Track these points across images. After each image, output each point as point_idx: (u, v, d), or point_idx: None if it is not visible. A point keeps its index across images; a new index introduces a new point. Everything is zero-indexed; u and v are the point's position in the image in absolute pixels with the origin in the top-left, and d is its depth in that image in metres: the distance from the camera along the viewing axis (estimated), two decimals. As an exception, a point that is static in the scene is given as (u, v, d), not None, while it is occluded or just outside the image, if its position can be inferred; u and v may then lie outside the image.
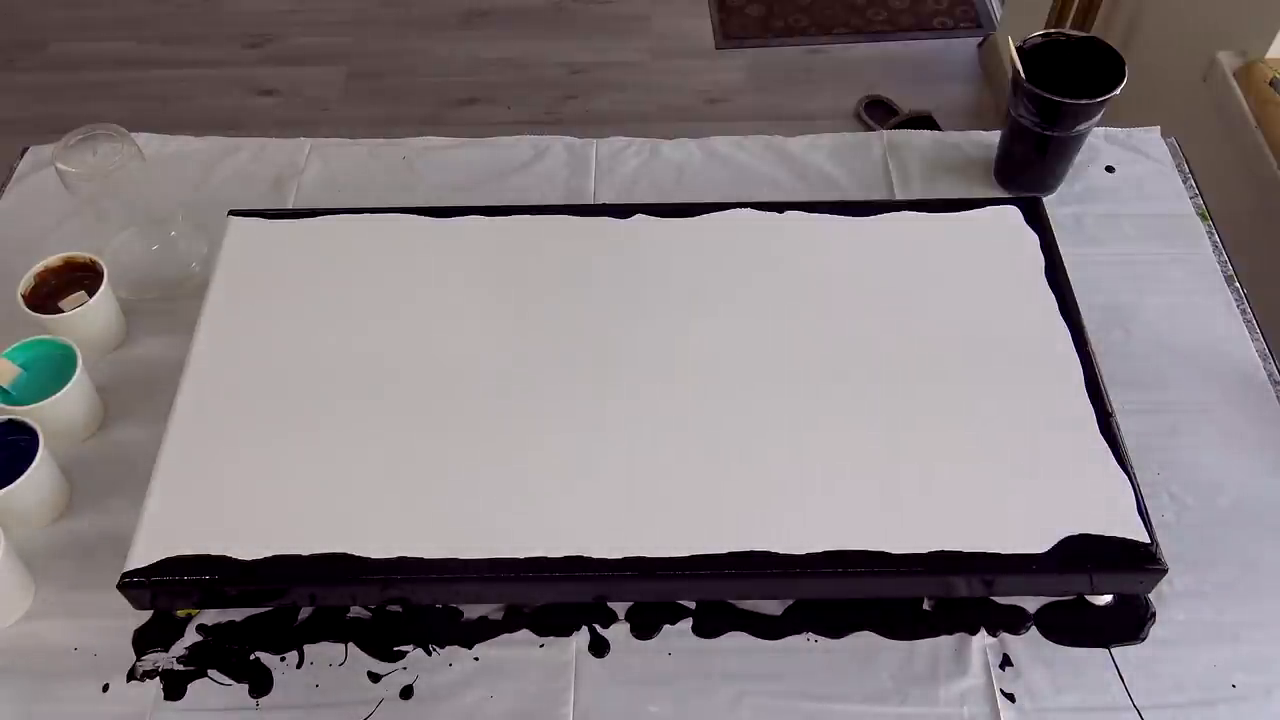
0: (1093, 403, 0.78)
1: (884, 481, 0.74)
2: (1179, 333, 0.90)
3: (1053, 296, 0.84)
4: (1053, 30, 0.96)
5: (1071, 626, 0.74)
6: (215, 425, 0.78)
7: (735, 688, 0.72)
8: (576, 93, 2.21)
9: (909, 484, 0.74)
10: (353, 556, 0.71)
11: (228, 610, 0.76)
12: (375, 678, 0.73)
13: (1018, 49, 0.94)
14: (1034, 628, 0.74)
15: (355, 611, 0.76)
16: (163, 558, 0.71)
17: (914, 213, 0.91)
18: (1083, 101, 0.89)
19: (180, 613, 0.75)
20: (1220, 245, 0.96)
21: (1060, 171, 0.99)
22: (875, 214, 0.91)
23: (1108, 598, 0.75)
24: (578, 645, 0.74)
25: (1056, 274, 0.86)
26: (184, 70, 2.27)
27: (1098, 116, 0.92)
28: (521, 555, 0.71)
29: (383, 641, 0.74)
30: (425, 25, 2.35)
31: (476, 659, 0.73)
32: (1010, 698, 0.71)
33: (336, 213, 0.91)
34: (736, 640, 0.74)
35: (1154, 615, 0.75)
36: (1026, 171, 0.99)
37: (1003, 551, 0.71)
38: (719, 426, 0.77)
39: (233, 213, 0.91)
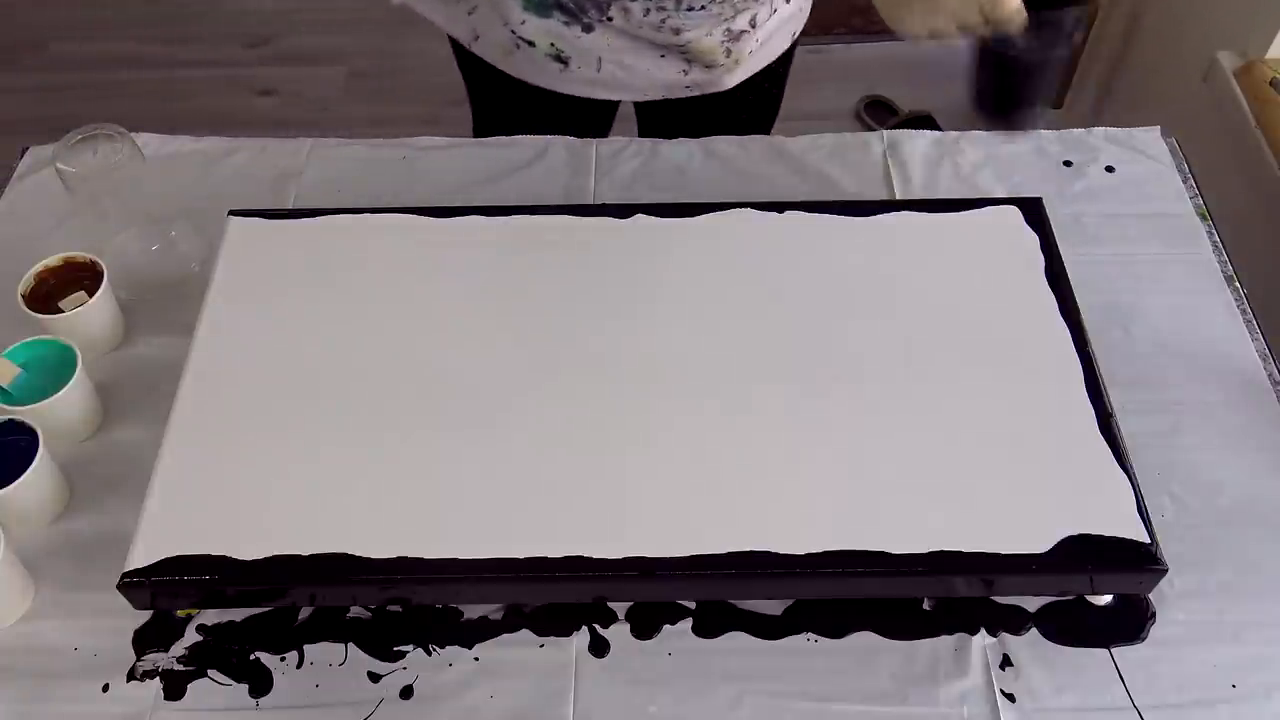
0: (1093, 403, 0.78)
1: (884, 481, 0.74)
2: (1179, 333, 0.90)
3: (1053, 296, 0.84)
4: None
5: (1071, 626, 0.74)
6: (215, 425, 0.78)
7: (735, 688, 0.72)
8: (576, 93, 2.21)
9: (909, 484, 0.74)
10: (353, 556, 0.71)
11: (228, 610, 0.76)
12: (375, 678, 0.73)
13: None
14: (1034, 628, 0.74)
15: (355, 611, 0.76)
16: (163, 558, 0.71)
17: (914, 213, 0.91)
18: (1056, 10, 0.83)
19: (180, 613, 0.75)
20: (1220, 245, 0.96)
21: (1043, 92, 0.91)
22: (875, 214, 0.91)
23: (1108, 598, 0.75)
24: (578, 645, 0.74)
25: (1056, 274, 0.86)
26: (184, 70, 2.27)
27: (1074, 32, 0.87)
28: (521, 555, 0.71)
29: (383, 641, 0.74)
30: (425, 25, 2.35)
31: (476, 659, 0.73)
32: (1010, 698, 0.71)
33: (336, 213, 0.91)
34: (736, 640, 0.74)
35: (1154, 615, 0.75)
36: (1007, 97, 0.92)
37: (1003, 551, 0.71)
38: (719, 426, 0.77)
39: (233, 213, 0.91)
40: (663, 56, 0.99)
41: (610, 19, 0.94)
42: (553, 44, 0.98)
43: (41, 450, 0.75)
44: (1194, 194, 1.00)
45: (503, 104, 1.12)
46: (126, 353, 0.90)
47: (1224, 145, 1.31)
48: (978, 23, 0.79)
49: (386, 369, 0.80)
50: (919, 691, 0.71)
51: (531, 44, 0.98)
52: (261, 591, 0.73)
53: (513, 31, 0.98)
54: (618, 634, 0.74)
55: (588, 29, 0.96)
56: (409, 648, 0.74)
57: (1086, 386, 0.79)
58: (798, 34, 1.10)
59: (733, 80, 1.05)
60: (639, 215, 0.90)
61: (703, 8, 0.93)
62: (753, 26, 0.99)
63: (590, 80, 1.01)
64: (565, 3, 0.94)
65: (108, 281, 0.86)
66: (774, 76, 1.14)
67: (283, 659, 0.74)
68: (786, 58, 1.12)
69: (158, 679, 0.73)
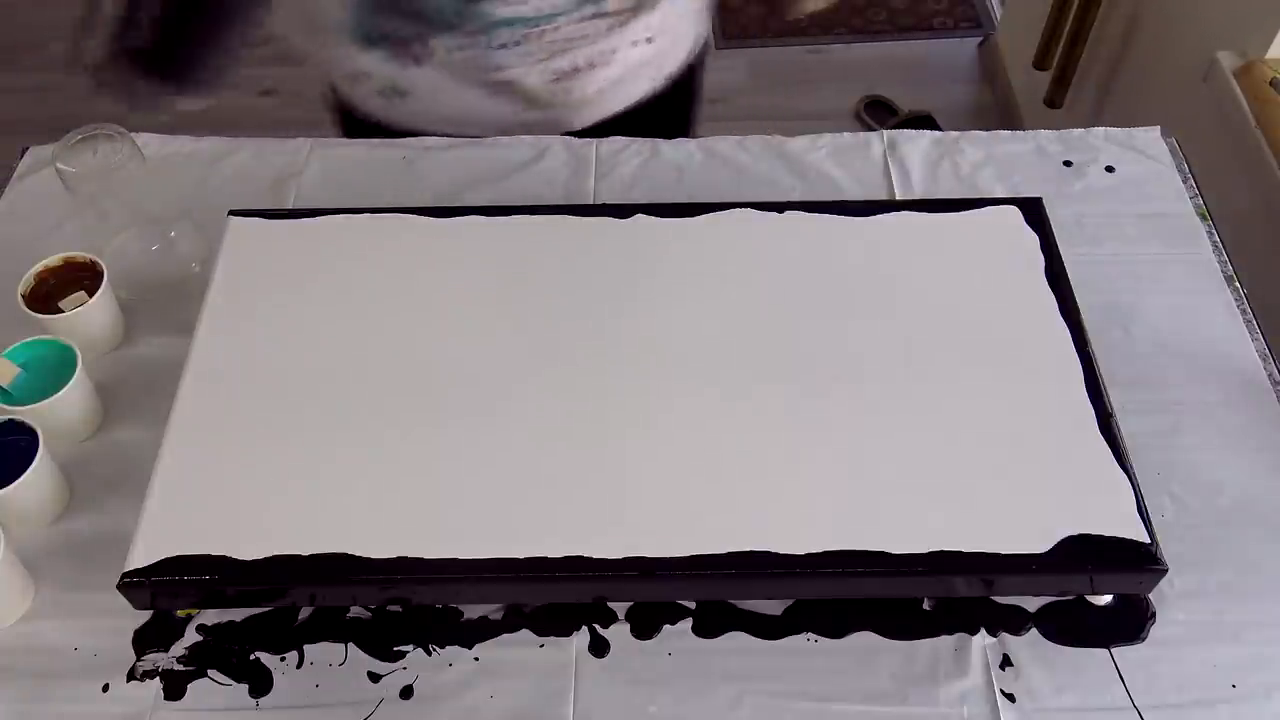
0: (1093, 403, 0.78)
1: (884, 481, 0.74)
2: (1179, 333, 0.90)
3: (1053, 296, 0.84)
4: None
5: (1071, 626, 0.74)
6: (215, 425, 0.78)
7: (735, 688, 0.72)
8: (576, 93, 2.21)
9: (909, 484, 0.74)
10: (353, 556, 0.71)
11: (228, 610, 0.76)
12: (375, 678, 0.73)
13: None
14: (1034, 628, 0.74)
15: (355, 611, 0.76)
16: (163, 558, 0.71)
17: (914, 213, 0.91)
18: None
19: (180, 613, 0.75)
20: (1220, 245, 0.96)
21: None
22: (875, 214, 0.91)
23: (1108, 598, 0.75)
24: (578, 645, 0.74)
25: (1056, 274, 0.86)
26: (184, 70, 2.27)
27: None
28: (521, 555, 0.71)
29: (383, 641, 0.74)
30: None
31: (476, 659, 0.73)
32: (1010, 698, 0.71)
33: (336, 213, 0.91)
34: (736, 640, 0.74)
35: (1154, 615, 0.75)
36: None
37: (1003, 551, 0.71)
38: (719, 426, 0.77)
39: (233, 213, 0.91)
40: (492, 95, 0.99)
41: (431, 53, 0.95)
42: (388, 77, 0.99)
43: (41, 450, 0.75)
44: (1194, 194, 1.00)
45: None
46: (126, 353, 0.90)
47: (1224, 145, 1.31)
48: None
49: (386, 369, 0.80)
50: (919, 691, 0.71)
51: (369, 75, 1.00)
52: (261, 591, 0.73)
53: (351, 63, 0.99)
54: (618, 634, 0.74)
55: (417, 61, 0.96)
56: (409, 648, 0.74)
57: (1086, 386, 0.79)
58: (670, 77, 1.08)
59: (581, 120, 1.05)
60: (639, 215, 0.90)
61: (509, 45, 0.93)
62: (590, 66, 0.98)
63: (417, 114, 1.02)
64: (390, 35, 0.94)
65: (108, 281, 0.86)
66: (667, 111, 1.11)
67: (283, 659, 0.74)
68: (671, 96, 1.09)
69: (158, 679, 0.73)
